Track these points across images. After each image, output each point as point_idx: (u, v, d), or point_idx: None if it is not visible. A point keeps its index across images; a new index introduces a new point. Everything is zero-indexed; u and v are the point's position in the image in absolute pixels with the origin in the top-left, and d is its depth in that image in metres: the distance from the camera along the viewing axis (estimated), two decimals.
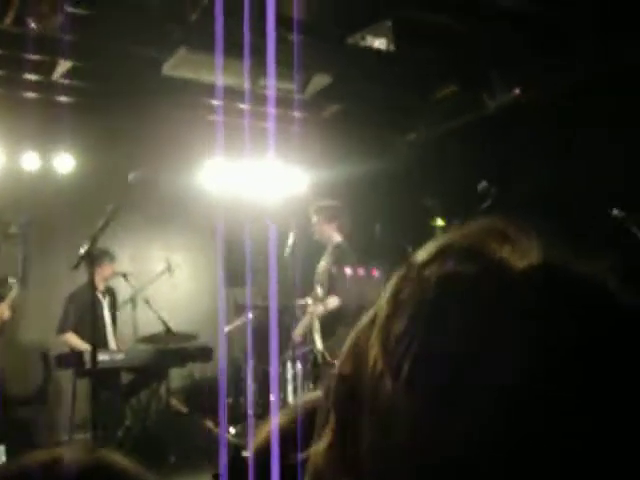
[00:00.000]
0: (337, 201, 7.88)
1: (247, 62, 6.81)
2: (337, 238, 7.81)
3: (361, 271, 7.70)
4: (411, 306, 0.68)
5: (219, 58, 6.52)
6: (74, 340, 7.89)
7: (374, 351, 0.69)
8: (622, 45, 6.69)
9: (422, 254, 0.72)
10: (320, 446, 0.73)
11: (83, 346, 7.63)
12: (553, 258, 0.69)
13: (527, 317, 0.65)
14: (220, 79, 7.23)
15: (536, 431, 0.62)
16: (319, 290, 7.76)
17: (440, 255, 0.70)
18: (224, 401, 8.08)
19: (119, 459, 1.10)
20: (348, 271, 7.64)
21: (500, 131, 7.80)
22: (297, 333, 7.95)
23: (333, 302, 7.54)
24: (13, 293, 7.15)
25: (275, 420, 1.10)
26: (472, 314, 0.66)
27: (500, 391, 0.62)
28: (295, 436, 0.93)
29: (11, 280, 7.18)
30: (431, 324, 0.66)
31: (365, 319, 0.75)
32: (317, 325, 7.69)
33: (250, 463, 1.05)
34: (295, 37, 6.74)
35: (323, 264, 7.85)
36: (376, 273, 7.80)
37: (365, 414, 0.68)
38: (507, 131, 7.74)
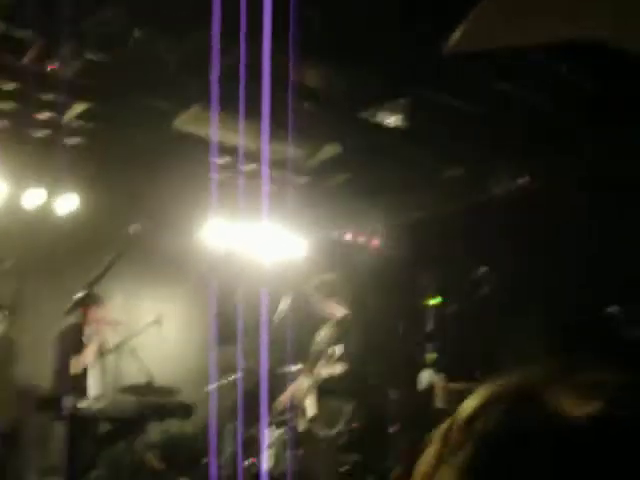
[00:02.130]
0: (334, 274, 7.88)
1: (242, 124, 6.84)
2: (339, 312, 7.82)
3: None
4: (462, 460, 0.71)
5: (216, 118, 6.58)
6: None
7: None
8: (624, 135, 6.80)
9: (469, 406, 0.75)
10: None
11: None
12: (613, 407, 0.69)
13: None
14: (227, 138, 7.30)
15: None
16: (321, 359, 7.72)
17: (487, 407, 0.73)
18: (214, 460, 7.98)
19: None
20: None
21: (503, 217, 7.84)
22: (283, 400, 7.89)
23: (338, 369, 7.54)
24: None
25: None
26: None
27: None
28: None
29: None
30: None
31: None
32: (310, 393, 7.65)
33: None
34: (305, 105, 6.82)
35: (324, 335, 7.82)
36: None
37: None
38: (510, 217, 7.78)
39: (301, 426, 7.54)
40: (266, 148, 7.27)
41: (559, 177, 7.45)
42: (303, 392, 7.78)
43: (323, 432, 7.77)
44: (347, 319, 7.79)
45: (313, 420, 7.50)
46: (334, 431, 7.70)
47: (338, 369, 7.56)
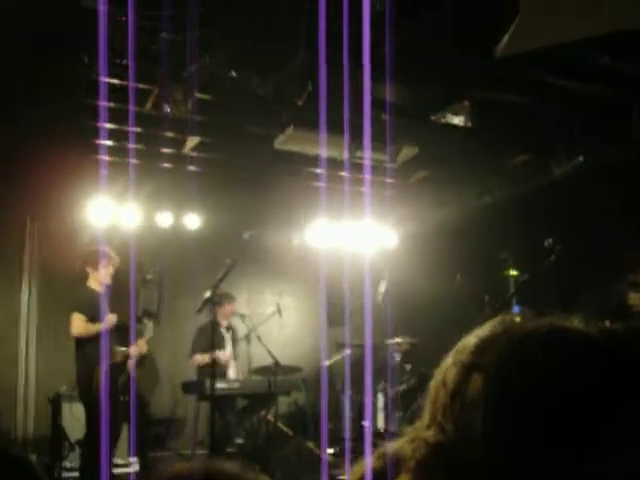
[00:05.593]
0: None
1: (347, 137, 7.04)
2: None
3: None
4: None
5: (322, 135, 6.79)
6: (200, 358, 8.12)
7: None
8: None
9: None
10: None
11: (206, 360, 7.83)
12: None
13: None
14: (323, 152, 7.49)
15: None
16: None
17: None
18: (325, 426, 8.16)
19: (238, 468, 1.15)
20: None
21: (565, 194, 7.78)
22: None
23: None
24: (149, 332, 7.40)
25: (368, 462, 1.08)
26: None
27: None
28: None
29: (146, 321, 7.42)
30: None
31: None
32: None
33: None
34: (387, 116, 6.92)
35: None
36: None
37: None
38: (571, 194, 7.72)
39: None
40: (368, 156, 7.47)
41: (612, 157, 7.36)
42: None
43: None
44: None
45: None
46: None
47: None
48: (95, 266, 6.90)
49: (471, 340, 0.92)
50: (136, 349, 7.19)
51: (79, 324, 6.70)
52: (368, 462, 1.08)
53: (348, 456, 7.84)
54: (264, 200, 8.58)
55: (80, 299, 6.85)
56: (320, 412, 8.57)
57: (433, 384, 0.93)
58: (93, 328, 6.66)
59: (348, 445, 8.10)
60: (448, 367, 0.91)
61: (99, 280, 6.93)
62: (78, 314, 6.73)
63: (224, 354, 8.10)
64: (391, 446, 0.96)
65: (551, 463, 0.79)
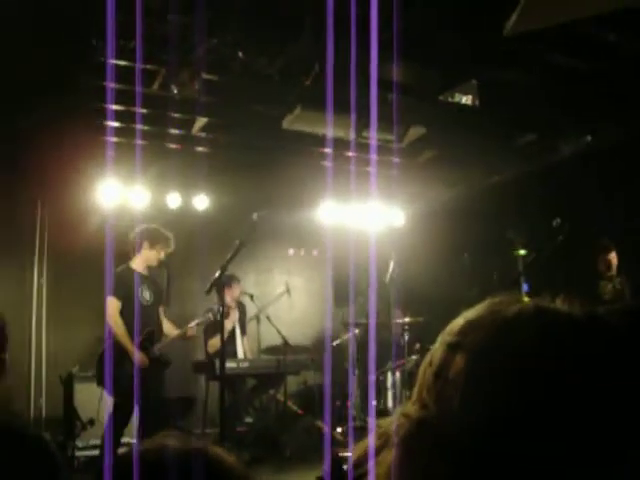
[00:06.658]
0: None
1: (354, 117, 7.04)
2: None
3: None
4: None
5: (330, 115, 6.80)
6: (215, 342, 8.03)
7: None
8: None
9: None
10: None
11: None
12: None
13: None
14: (330, 132, 7.49)
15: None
16: None
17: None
18: (329, 405, 8.20)
19: (219, 451, 1.16)
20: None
21: (573, 173, 7.77)
22: None
23: None
24: (205, 319, 7.28)
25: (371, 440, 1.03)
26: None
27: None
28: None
29: (212, 310, 7.14)
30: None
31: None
32: None
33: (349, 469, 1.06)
34: (395, 97, 6.92)
35: None
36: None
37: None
38: (579, 173, 7.71)
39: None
40: (374, 136, 7.49)
41: (620, 134, 7.33)
42: None
43: None
44: None
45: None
46: None
47: None
48: (151, 246, 6.85)
49: (459, 321, 0.95)
50: (181, 333, 7.14)
51: (113, 313, 6.58)
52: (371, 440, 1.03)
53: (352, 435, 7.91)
54: (272, 180, 8.58)
55: (117, 280, 6.69)
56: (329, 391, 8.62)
57: (422, 364, 0.96)
58: (125, 340, 6.54)
59: (352, 424, 8.15)
60: (436, 348, 0.95)
61: (148, 260, 6.88)
62: (113, 298, 6.63)
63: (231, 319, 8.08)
64: (382, 424, 0.98)
65: (528, 445, 0.81)
